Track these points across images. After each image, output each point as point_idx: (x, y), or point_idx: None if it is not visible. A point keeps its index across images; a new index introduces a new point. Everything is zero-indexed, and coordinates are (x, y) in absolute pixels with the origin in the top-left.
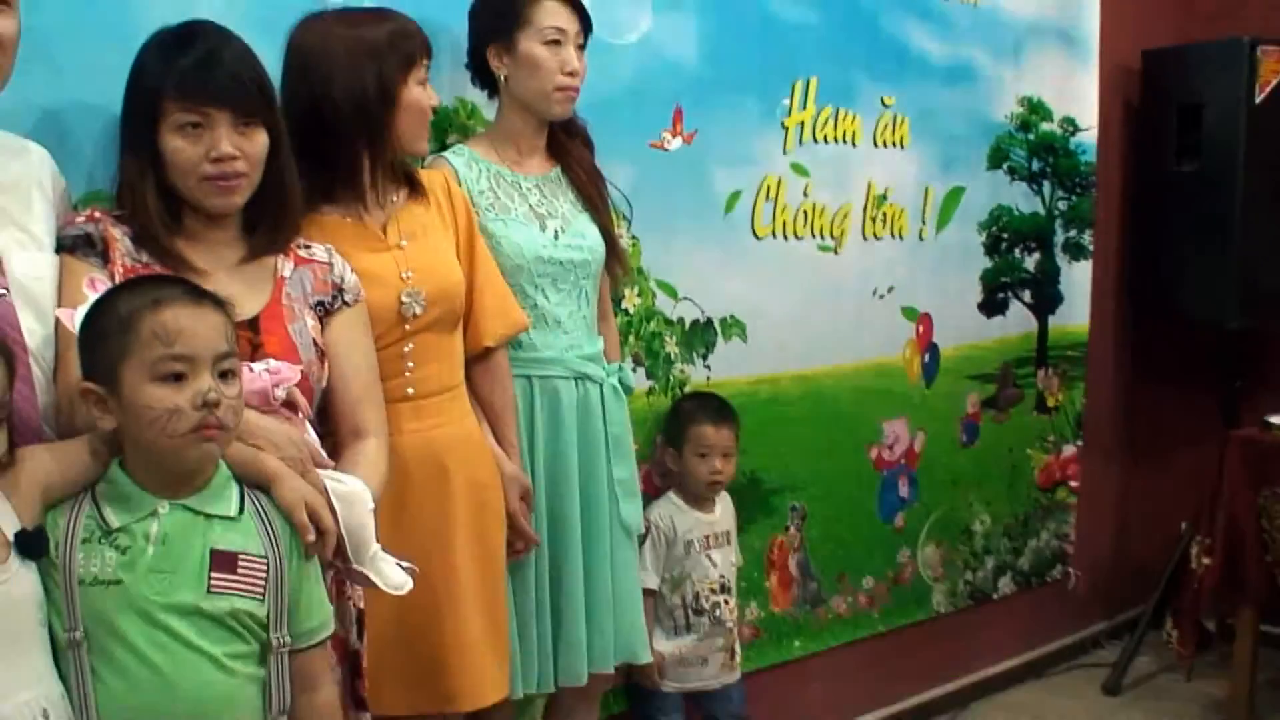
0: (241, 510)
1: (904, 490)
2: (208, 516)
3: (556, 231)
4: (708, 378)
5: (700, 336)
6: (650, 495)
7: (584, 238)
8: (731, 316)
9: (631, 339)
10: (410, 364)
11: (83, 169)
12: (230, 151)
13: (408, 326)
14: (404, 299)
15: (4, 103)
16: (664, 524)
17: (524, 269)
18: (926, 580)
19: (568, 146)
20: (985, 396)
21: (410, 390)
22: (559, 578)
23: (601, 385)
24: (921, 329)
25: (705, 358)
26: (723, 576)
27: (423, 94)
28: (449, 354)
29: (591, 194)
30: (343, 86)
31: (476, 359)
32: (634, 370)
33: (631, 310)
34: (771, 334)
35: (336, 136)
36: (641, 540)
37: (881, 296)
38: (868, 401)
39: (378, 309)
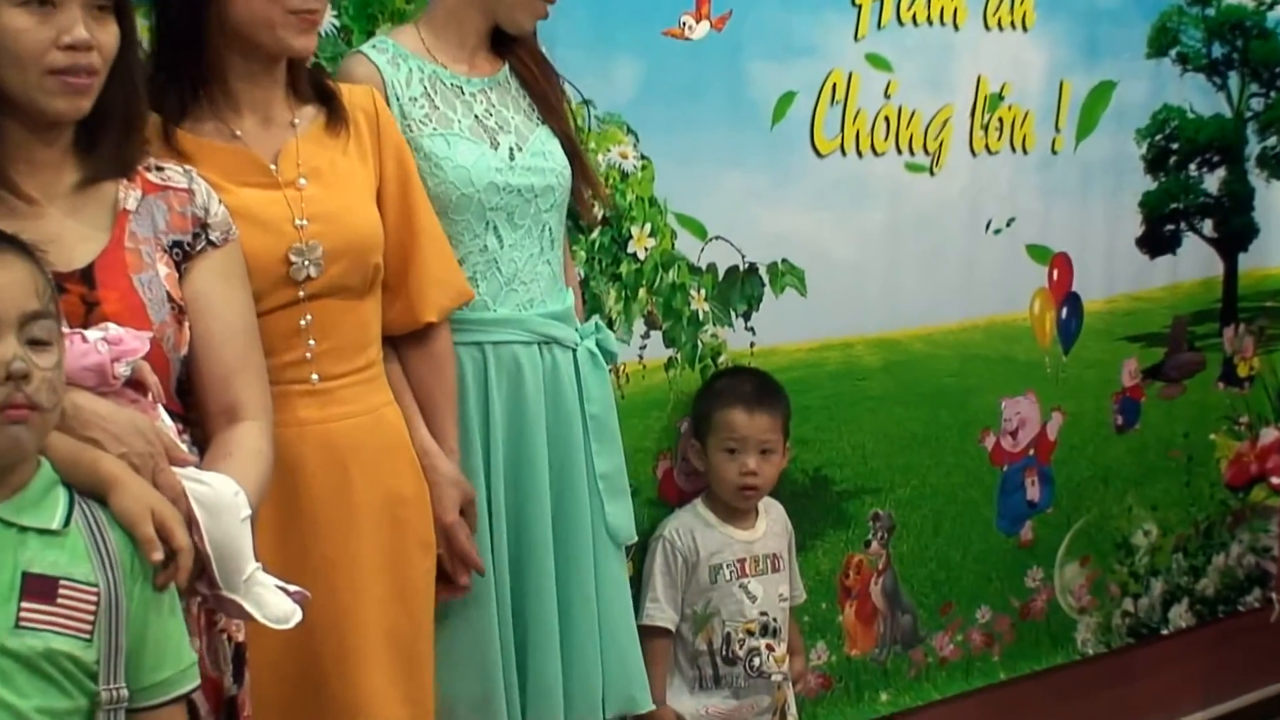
0: (68, 522)
1: (1034, 492)
2: (21, 529)
3: (511, 150)
4: (751, 344)
5: (739, 289)
6: (669, 509)
7: (545, 157)
8: (783, 262)
9: (642, 293)
10: (311, 340)
11: None
12: (86, 38)
13: (301, 292)
14: (293, 256)
15: None
16: (682, 541)
17: (472, 200)
18: (1067, 612)
19: (509, 36)
20: (1149, 364)
21: (314, 375)
22: (524, 604)
23: (575, 352)
24: (1056, 275)
25: (747, 317)
26: (764, 614)
27: None
28: (359, 326)
29: (549, 96)
30: None
31: (410, 337)
32: (647, 335)
33: (642, 255)
34: (841, 285)
35: (187, 17)
36: (633, 556)
37: (998, 232)
38: (980, 373)
39: (259, 265)
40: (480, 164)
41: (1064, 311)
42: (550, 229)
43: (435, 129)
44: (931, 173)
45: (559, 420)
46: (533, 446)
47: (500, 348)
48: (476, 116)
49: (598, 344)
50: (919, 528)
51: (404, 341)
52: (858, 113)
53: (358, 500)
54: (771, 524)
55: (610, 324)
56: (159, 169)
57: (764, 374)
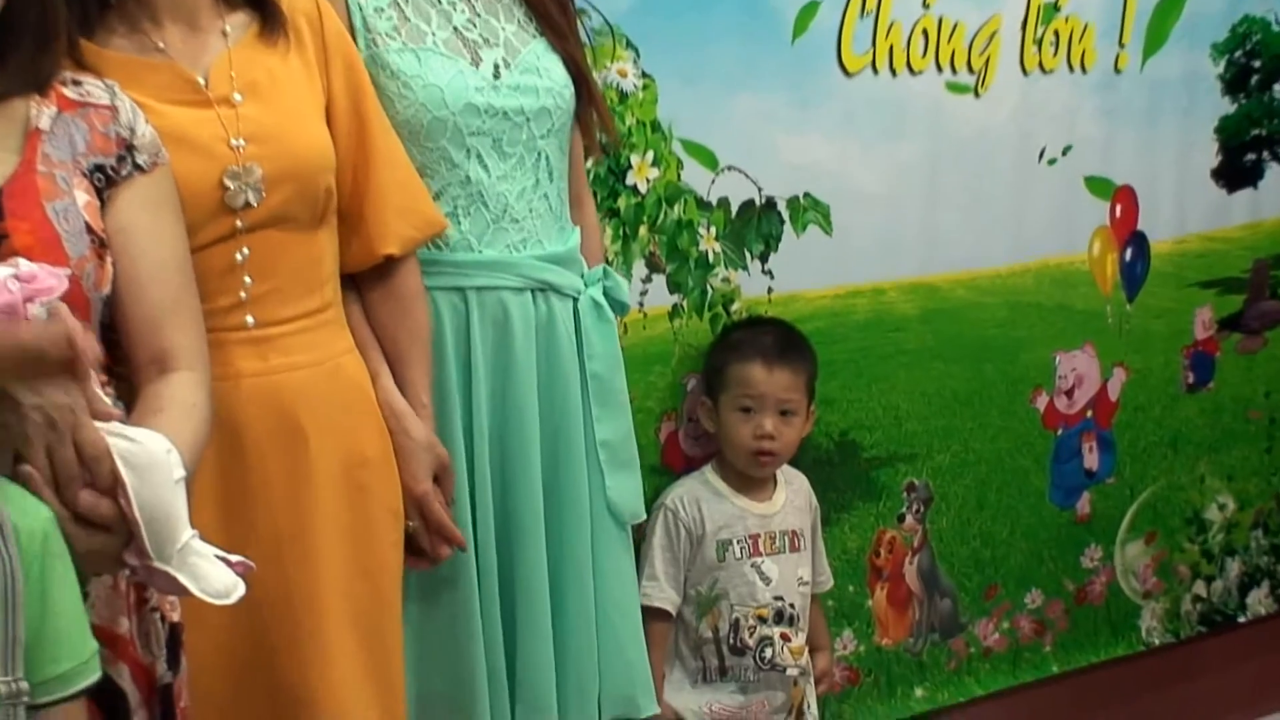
0: None
1: (1092, 459)
2: None
3: (497, 66)
4: (768, 290)
5: (755, 228)
6: (673, 477)
7: (540, 75)
8: (806, 196)
9: (643, 231)
10: (247, 278)
11: None
12: None
13: (239, 223)
14: (228, 181)
15: None
16: (686, 512)
17: (447, 125)
18: (1130, 596)
19: None
20: (1225, 314)
21: (249, 319)
22: (512, 591)
23: (576, 301)
24: (1120, 211)
25: (764, 259)
26: (779, 599)
27: None
28: (309, 262)
29: (549, 8)
30: None
31: (371, 275)
32: (649, 279)
33: (643, 187)
34: (872, 222)
35: None
36: (640, 535)
37: (1053, 162)
38: (1032, 323)
39: (191, 192)
40: (456, 83)
41: (1128, 253)
42: (548, 158)
43: (404, 43)
44: (976, 94)
45: (554, 379)
46: (522, 408)
47: (485, 294)
48: (455, 28)
49: (605, 292)
50: (960, 500)
51: (365, 282)
52: (891, 25)
53: (313, 463)
54: (792, 496)
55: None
56: (76, 83)
57: (787, 325)
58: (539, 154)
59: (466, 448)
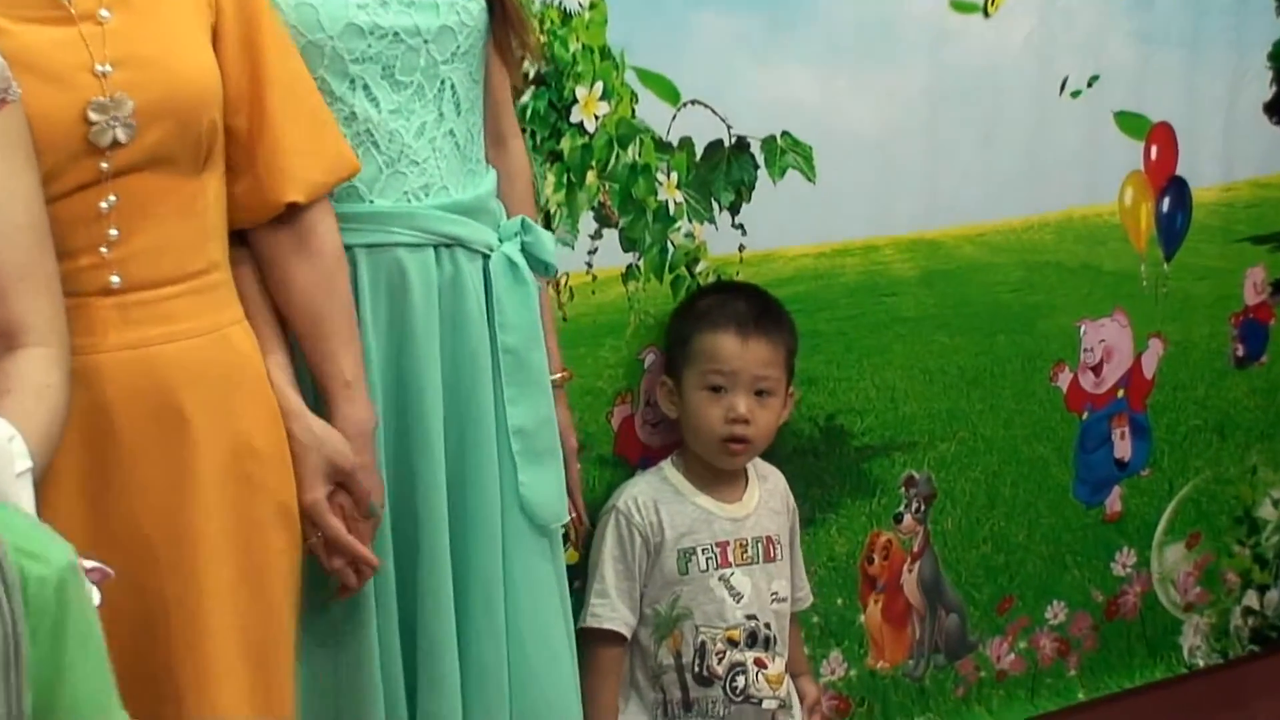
0: None
1: (1124, 447)
2: None
3: None
4: (740, 247)
5: (724, 173)
6: (628, 470)
7: None
8: (784, 136)
9: (591, 178)
10: (112, 230)
11: None
12: None
13: (104, 164)
14: (92, 114)
15: None
16: (641, 516)
17: (325, 51)
18: (1169, 610)
19: None
20: None
21: (114, 278)
22: (411, 610)
23: (488, 260)
24: (1156, 153)
25: (735, 211)
26: (752, 618)
27: None
28: (190, 213)
29: None
30: None
31: (279, 230)
32: (598, 235)
33: (591, 125)
34: (863, 167)
35: None
36: (580, 542)
37: (1077, 94)
38: (1052, 286)
39: (48, 130)
40: (334, 1)
41: (1165, 203)
42: (453, 87)
43: None
44: (985, 13)
45: (460, 353)
46: (422, 388)
47: (377, 252)
48: None
49: (523, 249)
50: (968, 496)
51: (271, 239)
52: None
53: (194, 451)
54: (766, 496)
55: (548, 221)
56: None
57: (763, 292)
58: (442, 82)
59: None
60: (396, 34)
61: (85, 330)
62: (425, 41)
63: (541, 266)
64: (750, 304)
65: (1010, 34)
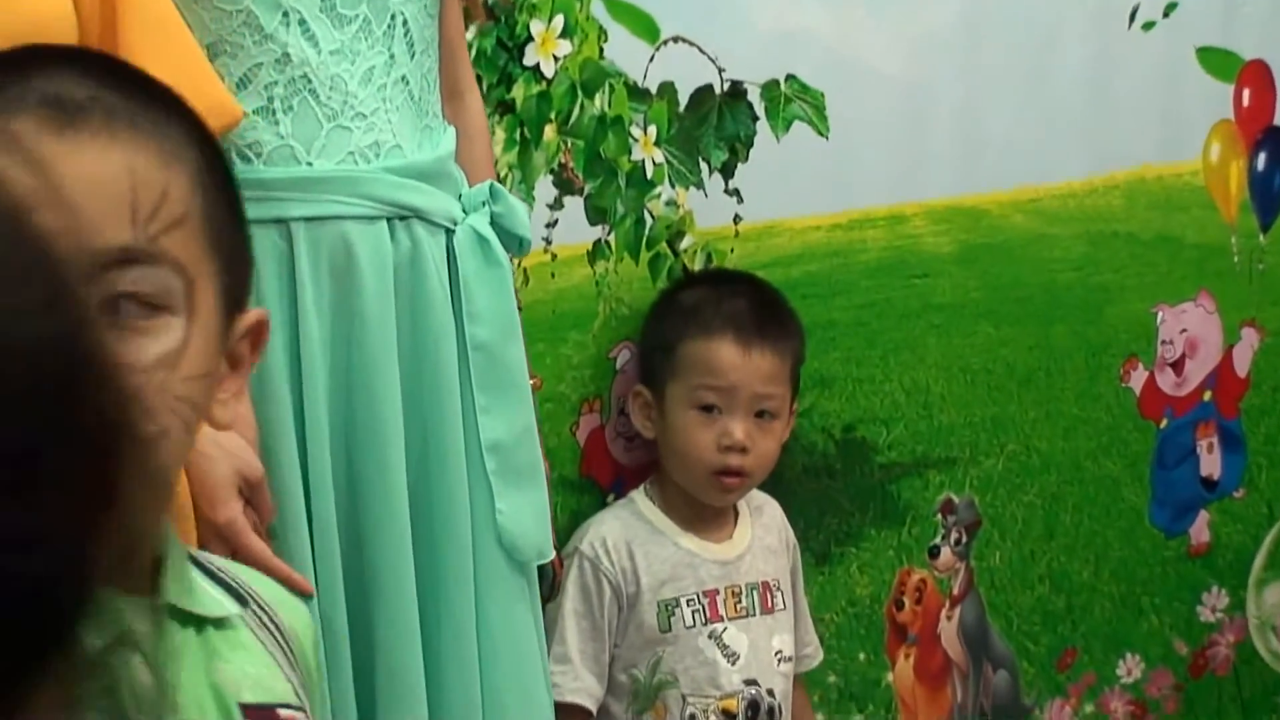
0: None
1: (1212, 463)
2: (199, 623)
3: None
4: (735, 219)
5: (715, 127)
6: (598, 495)
7: None
8: (790, 80)
9: (549, 133)
10: None
11: None
12: None
13: None
14: None
15: None
16: (612, 560)
17: None
18: (1270, 663)
19: None
20: None
21: None
22: (366, 664)
23: (451, 235)
24: (1249, 98)
25: (728, 173)
26: (752, 684)
27: None
28: None
29: None
30: None
31: None
32: (558, 204)
33: (549, 69)
34: (886, 117)
35: None
36: (550, 587)
37: (1150, 26)
38: (1120, 264)
39: None
40: None
41: (1261, 160)
42: (406, 22)
43: None
44: None
45: (421, 348)
46: (375, 390)
47: (318, 226)
48: None
49: (493, 221)
50: (1020, 524)
51: None
52: None
53: None
54: (761, 532)
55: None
56: None
57: (765, 285)
58: (392, 16)
59: (299, 448)
60: None
61: None
62: None
63: (514, 242)
64: (752, 302)
65: None
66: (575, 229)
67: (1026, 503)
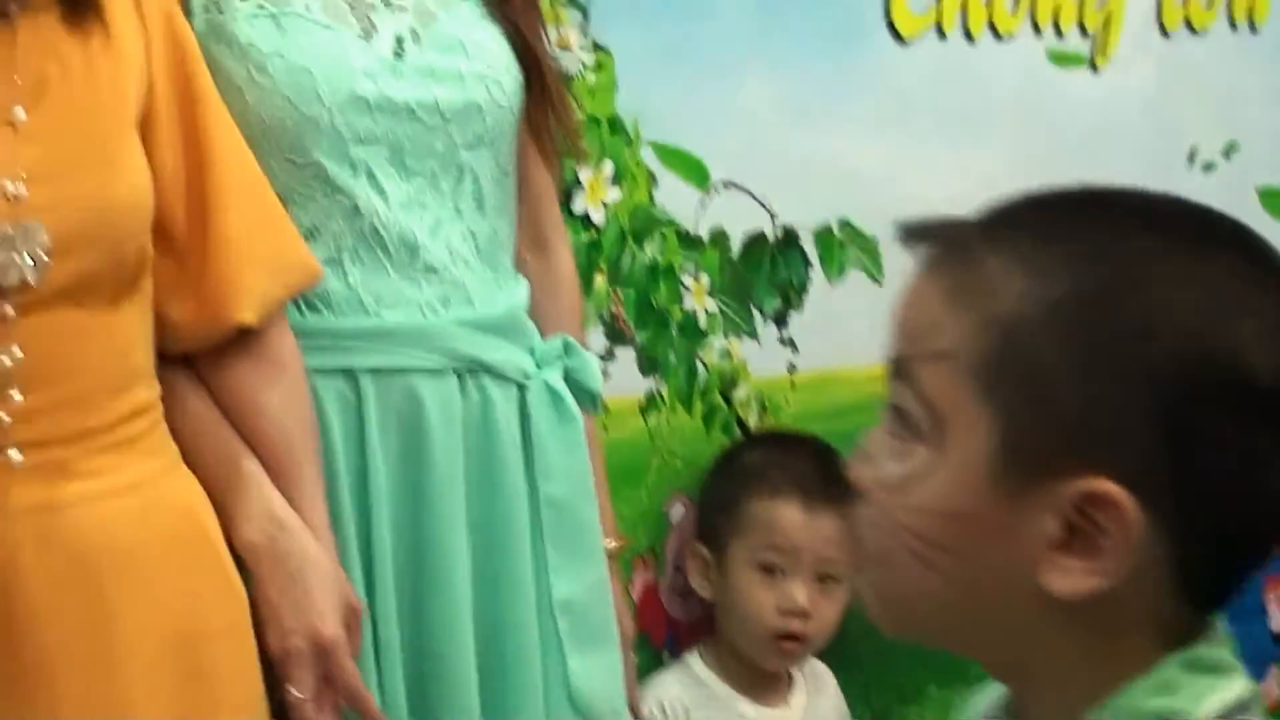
0: None
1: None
2: None
3: (400, 39)
4: (790, 367)
5: (768, 273)
6: (651, 652)
7: (467, 53)
8: (844, 225)
9: (600, 281)
10: (16, 392)
11: None
12: None
13: (9, 309)
14: None
15: None
16: None
17: (323, 127)
18: None
19: None
20: None
21: (14, 453)
22: None
23: (524, 390)
24: None
25: (782, 322)
26: None
27: None
28: (112, 354)
29: None
30: None
31: (216, 352)
32: (610, 354)
33: (599, 216)
34: None
35: None
36: None
37: (1210, 167)
38: None
39: None
40: (335, 63)
41: None
42: (476, 177)
43: (259, 5)
44: (1094, 67)
45: (491, 505)
46: (444, 547)
47: (386, 378)
48: None
49: (567, 376)
50: None
51: (203, 361)
52: None
53: (123, 642)
54: (817, 702)
55: None
56: None
57: (828, 446)
58: (462, 171)
59: (367, 602)
60: (411, 109)
61: None
62: (445, 120)
63: (587, 398)
64: (817, 463)
65: (1124, 92)
66: (627, 380)
67: None
